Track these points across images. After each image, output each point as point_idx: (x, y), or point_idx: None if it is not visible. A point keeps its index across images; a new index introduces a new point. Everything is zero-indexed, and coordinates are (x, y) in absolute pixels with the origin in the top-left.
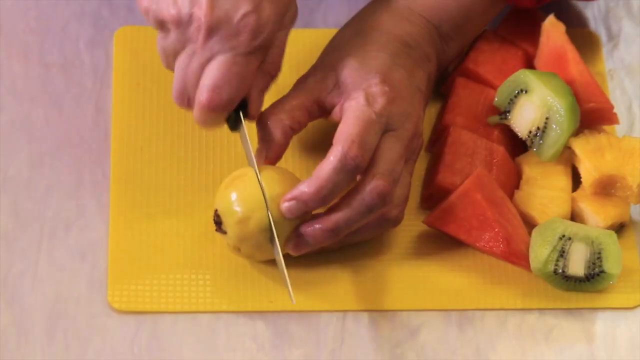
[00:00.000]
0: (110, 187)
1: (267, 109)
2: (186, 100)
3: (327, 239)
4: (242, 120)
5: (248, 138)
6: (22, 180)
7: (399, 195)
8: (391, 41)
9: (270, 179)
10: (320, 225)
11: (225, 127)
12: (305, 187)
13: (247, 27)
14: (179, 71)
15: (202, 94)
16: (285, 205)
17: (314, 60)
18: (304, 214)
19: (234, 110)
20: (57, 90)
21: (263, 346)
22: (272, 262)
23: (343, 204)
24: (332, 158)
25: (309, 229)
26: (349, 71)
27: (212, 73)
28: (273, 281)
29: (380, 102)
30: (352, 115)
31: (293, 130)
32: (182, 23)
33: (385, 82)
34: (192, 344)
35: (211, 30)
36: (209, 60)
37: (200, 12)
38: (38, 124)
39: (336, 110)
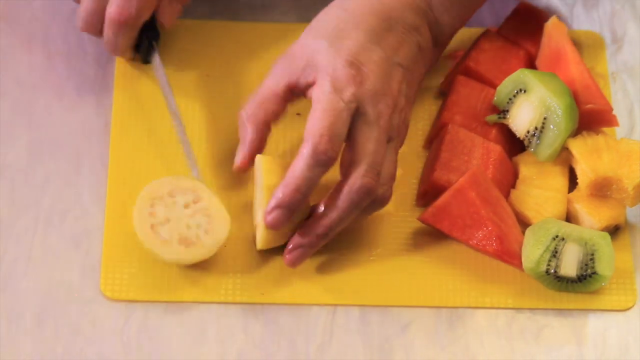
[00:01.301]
0: (108, 177)
1: (244, 106)
2: (94, 23)
3: (322, 242)
4: (156, 48)
5: (162, 67)
6: (20, 167)
7: (385, 173)
8: (370, 17)
9: (273, 172)
10: (314, 232)
11: (207, 122)
12: (281, 192)
13: None
14: None
15: (112, 8)
16: (269, 218)
17: None
18: (289, 218)
19: (147, 39)
20: (59, 79)
21: (252, 338)
22: (264, 253)
23: (331, 206)
24: (303, 155)
25: (304, 239)
26: (320, 51)
27: None
28: (264, 273)
29: (348, 89)
30: (320, 106)
31: (267, 123)
32: None
33: (352, 64)
34: (182, 334)
35: None
36: None
37: None
38: (39, 111)
39: (310, 91)
